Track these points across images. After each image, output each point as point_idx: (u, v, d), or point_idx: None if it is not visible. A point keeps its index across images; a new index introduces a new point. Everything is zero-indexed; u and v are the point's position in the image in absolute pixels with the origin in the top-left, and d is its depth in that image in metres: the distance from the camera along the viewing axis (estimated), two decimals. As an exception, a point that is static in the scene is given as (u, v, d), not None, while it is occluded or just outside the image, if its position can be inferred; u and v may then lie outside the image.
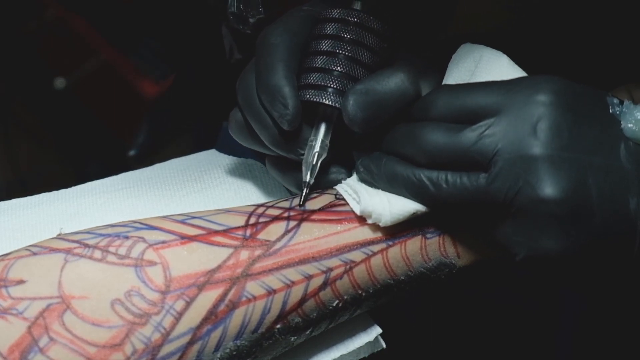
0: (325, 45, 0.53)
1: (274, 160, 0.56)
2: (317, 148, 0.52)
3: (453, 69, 0.55)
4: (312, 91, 0.52)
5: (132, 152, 1.16)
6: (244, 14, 0.63)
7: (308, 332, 0.50)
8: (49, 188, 0.60)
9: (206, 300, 0.46)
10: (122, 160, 1.26)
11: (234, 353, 0.47)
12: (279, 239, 0.49)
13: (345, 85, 0.52)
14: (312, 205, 0.51)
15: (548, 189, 0.44)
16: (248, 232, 0.49)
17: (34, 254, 0.46)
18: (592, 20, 0.62)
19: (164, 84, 1.42)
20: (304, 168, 0.53)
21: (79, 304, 0.44)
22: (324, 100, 0.52)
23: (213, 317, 0.46)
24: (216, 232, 0.48)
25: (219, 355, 0.46)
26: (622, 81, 0.53)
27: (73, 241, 0.47)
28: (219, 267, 0.47)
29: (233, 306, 0.46)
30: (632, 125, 0.46)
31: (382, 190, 0.50)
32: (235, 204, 0.55)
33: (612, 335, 0.71)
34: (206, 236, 0.48)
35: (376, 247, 0.50)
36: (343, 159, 0.55)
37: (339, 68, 0.52)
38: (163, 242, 0.47)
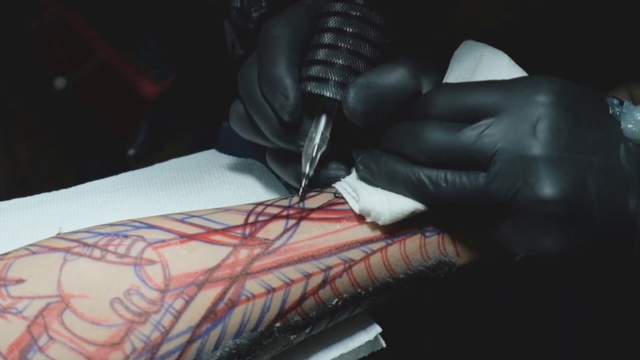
0: (327, 38, 0.53)
1: (274, 153, 0.57)
2: (317, 140, 0.52)
3: (454, 67, 0.55)
4: (314, 83, 0.52)
5: (131, 152, 1.16)
6: (247, 9, 0.63)
7: (307, 330, 0.50)
8: (49, 188, 0.60)
9: (205, 298, 0.46)
10: (122, 160, 1.26)
11: (234, 352, 0.47)
12: (278, 238, 0.49)
13: (346, 78, 0.52)
14: (311, 203, 0.51)
15: (547, 189, 0.44)
16: (247, 230, 0.49)
17: (33, 253, 0.46)
18: (592, 20, 0.62)
19: (164, 84, 1.42)
20: (303, 160, 0.53)
21: (79, 302, 0.44)
22: (325, 92, 0.52)
23: (212, 315, 0.46)
24: (215, 231, 0.48)
25: (218, 354, 0.46)
26: (622, 81, 0.53)
27: (72, 240, 0.47)
28: (218, 266, 0.47)
29: (232, 305, 0.46)
30: (632, 126, 0.46)
31: (382, 188, 0.50)
32: (235, 203, 0.54)
33: (612, 335, 0.70)
34: (205, 235, 0.48)
35: (375, 246, 0.50)
36: (343, 155, 0.55)
37: (340, 61, 0.52)
38: (162, 240, 0.47)
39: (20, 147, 1.57)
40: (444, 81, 0.55)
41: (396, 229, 0.50)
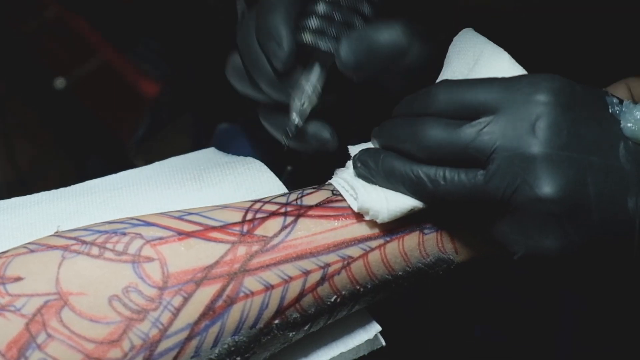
0: None
1: (267, 110, 0.57)
2: (307, 90, 0.53)
3: (453, 59, 0.54)
4: (309, 35, 0.53)
5: (131, 144, 1.17)
6: None
7: (306, 327, 0.50)
8: (48, 188, 0.60)
9: (204, 295, 0.46)
10: (121, 159, 1.26)
11: (232, 349, 0.47)
12: (276, 235, 0.49)
13: (343, 34, 0.53)
14: (309, 201, 0.51)
15: (546, 187, 0.44)
16: (245, 227, 0.49)
17: (32, 251, 0.46)
18: (592, 17, 0.62)
19: (164, 84, 1.42)
20: (290, 107, 0.53)
21: (77, 300, 0.44)
22: (320, 45, 0.52)
23: (211, 312, 0.46)
24: (213, 228, 0.48)
25: (217, 351, 0.46)
26: (621, 76, 0.53)
27: (70, 238, 0.47)
28: (217, 263, 0.47)
29: (231, 302, 0.46)
30: (631, 124, 0.46)
31: (380, 186, 0.50)
32: (234, 201, 0.55)
33: (612, 335, 0.70)
34: (203, 232, 0.48)
35: (374, 243, 0.50)
36: (338, 124, 0.55)
37: (339, 16, 0.53)
38: (160, 238, 0.47)
39: (20, 147, 1.57)
40: (442, 71, 0.55)
41: (394, 227, 0.50)
